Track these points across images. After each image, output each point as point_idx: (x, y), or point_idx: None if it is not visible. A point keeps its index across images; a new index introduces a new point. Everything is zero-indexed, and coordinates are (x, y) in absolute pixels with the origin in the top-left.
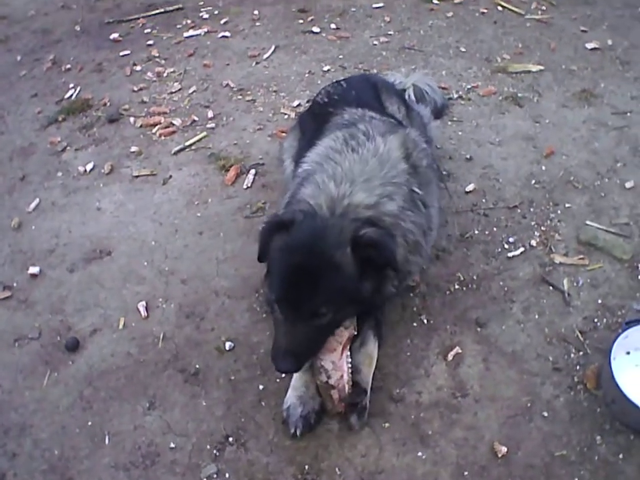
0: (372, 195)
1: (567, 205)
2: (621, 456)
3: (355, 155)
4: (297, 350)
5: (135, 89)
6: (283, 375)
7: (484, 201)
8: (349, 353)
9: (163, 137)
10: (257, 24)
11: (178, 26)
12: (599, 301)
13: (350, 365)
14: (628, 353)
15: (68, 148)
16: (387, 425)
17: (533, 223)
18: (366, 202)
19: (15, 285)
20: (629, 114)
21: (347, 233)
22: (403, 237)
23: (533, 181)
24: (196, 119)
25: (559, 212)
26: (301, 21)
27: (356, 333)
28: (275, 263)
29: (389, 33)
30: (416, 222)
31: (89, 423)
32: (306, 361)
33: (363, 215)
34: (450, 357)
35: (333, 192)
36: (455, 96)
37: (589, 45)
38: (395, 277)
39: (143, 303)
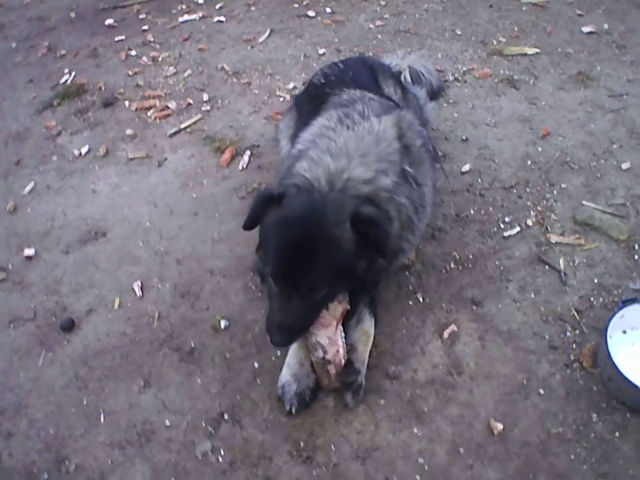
0: (369, 170)
1: (562, 186)
2: (617, 434)
3: (349, 131)
4: (292, 324)
5: (130, 73)
6: (278, 353)
7: (480, 181)
8: (342, 328)
9: (158, 120)
10: (252, 8)
11: (173, 11)
12: (595, 280)
13: (344, 340)
14: (624, 331)
15: (63, 132)
16: (382, 402)
17: (528, 203)
18: (364, 177)
19: (10, 267)
20: (625, 96)
21: (347, 209)
22: (398, 212)
23: (529, 162)
24: (191, 102)
25: (554, 192)
26: (296, 5)
27: (349, 307)
28: (271, 236)
29: (385, 16)
30: (409, 197)
31: (84, 402)
32: (300, 335)
33: (362, 191)
34: (446, 334)
35: (330, 166)
36: (451, 78)
37: (585, 29)
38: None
39: (138, 282)
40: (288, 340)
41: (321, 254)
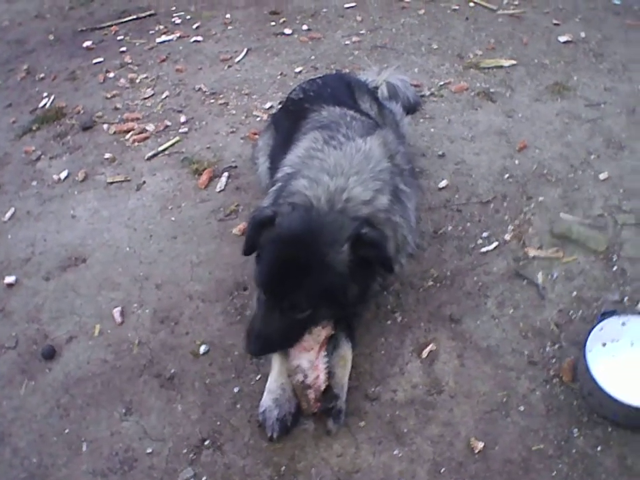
0: (367, 190)
1: (540, 199)
2: (599, 448)
3: (338, 151)
4: (269, 337)
5: (108, 95)
6: (258, 377)
7: (457, 196)
8: (325, 353)
9: (136, 143)
10: (229, 27)
11: (150, 32)
12: (574, 294)
13: (327, 365)
14: (604, 344)
15: (42, 157)
16: (362, 423)
17: (506, 217)
18: (363, 197)
19: None
20: (602, 105)
21: (347, 231)
22: (394, 232)
23: (506, 175)
24: (169, 123)
25: (532, 205)
26: (273, 23)
27: (333, 333)
28: (266, 250)
29: (361, 32)
30: (404, 217)
31: (66, 431)
32: (275, 350)
33: (361, 213)
34: (424, 354)
35: (330, 184)
36: (428, 93)
37: (562, 38)
38: (382, 275)
39: (118, 309)
40: (261, 350)
41: (311, 275)
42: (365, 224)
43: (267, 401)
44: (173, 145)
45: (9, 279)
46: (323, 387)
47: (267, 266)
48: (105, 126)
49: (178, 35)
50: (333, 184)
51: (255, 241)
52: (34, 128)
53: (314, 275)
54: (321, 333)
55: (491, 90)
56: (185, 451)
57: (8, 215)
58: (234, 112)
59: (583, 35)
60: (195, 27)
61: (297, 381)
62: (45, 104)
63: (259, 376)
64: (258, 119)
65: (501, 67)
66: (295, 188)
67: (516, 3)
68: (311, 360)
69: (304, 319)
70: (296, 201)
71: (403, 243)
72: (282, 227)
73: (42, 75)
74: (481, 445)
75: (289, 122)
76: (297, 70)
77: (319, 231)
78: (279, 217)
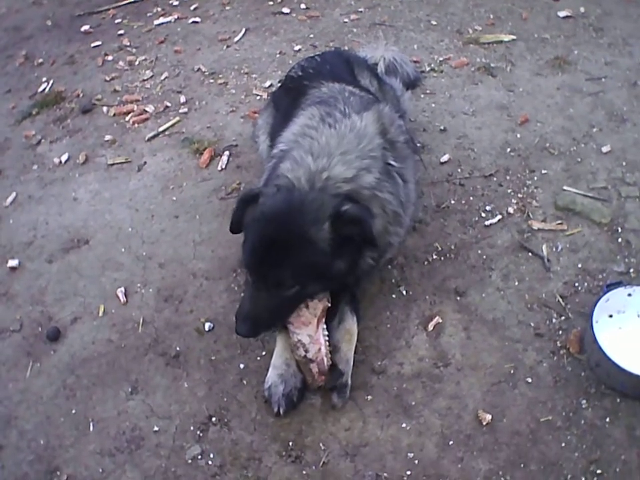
0: (350, 168)
1: (543, 172)
2: (607, 419)
3: (332, 129)
4: (258, 317)
5: (107, 78)
6: (263, 353)
7: (459, 170)
8: (325, 326)
9: (136, 125)
10: (227, 8)
11: (148, 14)
12: (579, 265)
13: (327, 338)
14: (610, 315)
15: (43, 141)
16: (369, 397)
17: (509, 191)
18: (344, 175)
19: None
20: (603, 79)
21: (327, 209)
22: (382, 208)
23: (508, 149)
24: (169, 104)
25: (535, 179)
26: (271, 3)
27: (330, 305)
28: (249, 230)
29: (359, 10)
30: (393, 192)
31: (73, 411)
32: (266, 329)
33: (342, 190)
34: (430, 327)
35: (311, 165)
36: (427, 69)
37: (561, 13)
38: (373, 250)
39: (122, 289)
40: (251, 331)
41: (293, 251)
42: (346, 200)
43: (272, 376)
44: (173, 125)
45: (12, 263)
46: (325, 360)
47: (250, 245)
48: (105, 108)
49: (176, 16)
50: (315, 165)
51: (240, 218)
52: (34, 113)
53: (296, 252)
54: (318, 306)
55: (491, 65)
56: (191, 428)
57: (9, 199)
58: (233, 91)
59: (582, 9)
60: (192, 8)
61: (299, 355)
62: (44, 88)
63: (264, 352)
64: (258, 97)
65: (501, 42)
66: (280, 171)
67: None
68: (310, 334)
69: (292, 296)
70: (280, 183)
71: (395, 217)
72: (264, 207)
73: (40, 60)
74: (488, 417)
75: (288, 99)
76: (296, 48)
77: (299, 209)
78: (262, 198)
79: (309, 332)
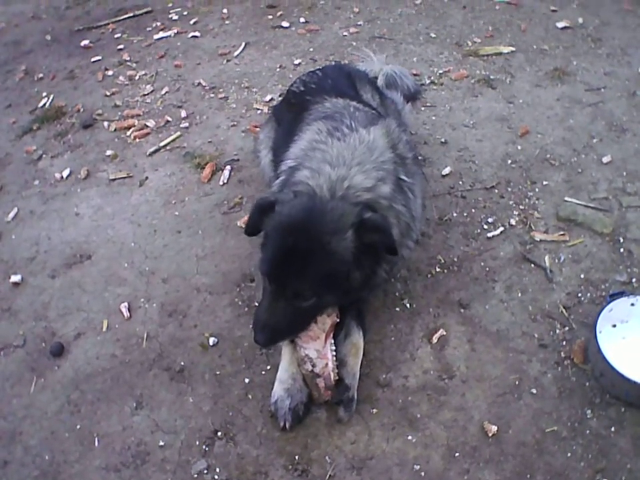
0: (369, 178)
1: (544, 183)
2: (613, 429)
3: (341, 142)
4: (276, 326)
5: (108, 93)
6: (269, 367)
7: (461, 183)
8: (332, 341)
9: (137, 139)
10: (227, 22)
11: (148, 29)
12: (582, 276)
13: (334, 353)
14: (614, 325)
15: (44, 156)
16: (375, 410)
17: (511, 202)
18: (364, 184)
19: None
20: (602, 90)
21: (349, 217)
22: (397, 219)
23: (509, 161)
24: (169, 119)
25: (536, 190)
26: (270, 17)
27: (338, 320)
28: (270, 237)
29: (359, 23)
30: (406, 205)
31: (78, 427)
32: (282, 339)
33: (362, 198)
34: (435, 339)
35: (331, 174)
36: (427, 81)
37: (560, 24)
38: (388, 261)
39: (125, 304)
40: (269, 340)
41: (314, 262)
42: (366, 209)
43: (278, 390)
44: (174, 140)
45: (15, 278)
46: (332, 375)
47: (270, 254)
48: (106, 123)
49: (175, 31)
50: (335, 173)
51: (256, 224)
52: (34, 128)
53: (317, 263)
54: (327, 321)
55: (491, 77)
56: (197, 442)
57: (11, 215)
58: (234, 105)
59: (580, 20)
60: (192, 22)
61: (306, 370)
62: (45, 103)
63: (269, 366)
64: (258, 111)
65: (500, 53)
66: (298, 179)
67: None
68: (318, 349)
69: (309, 307)
70: (299, 189)
71: (407, 231)
72: (283, 215)
73: (40, 75)
74: (494, 428)
75: (290, 114)
76: (296, 62)
77: (321, 218)
78: (279, 204)
79: (317, 347)
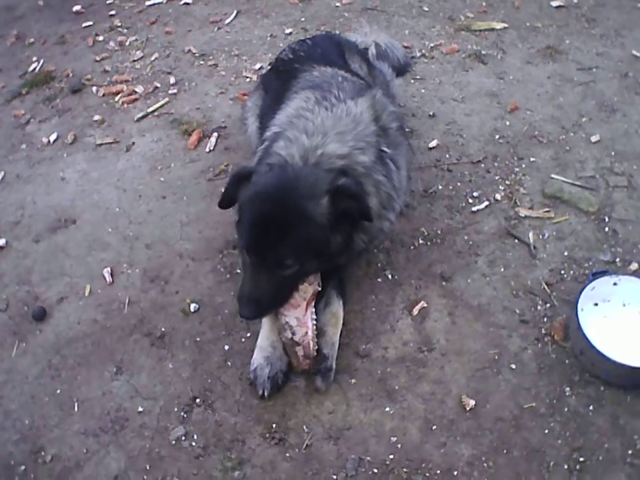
0: (344, 146)
1: (531, 159)
2: (591, 407)
3: (328, 112)
4: (260, 298)
5: (98, 58)
6: (248, 334)
7: (447, 156)
8: (313, 310)
9: (125, 105)
10: None
11: None
12: (565, 253)
13: (315, 322)
14: (596, 304)
15: (32, 120)
16: (353, 381)
17: (497, 177)
18: (339, 152)
19: None
20: (594, 69)
21: (323, 184)
22: (376, 188)
23: (497, 136)
24: (158, 85)
25: (523, 166)
26: None
27: (320, 289)
28: (245, 210)
29: None
30: (387, 176)
31: (58, 391)
32: (268, 311)
33: (336, 165)
34: (415, 311)
35: (305, 143)
36: (418, 54)
37: (554, 3)
38: (366, 231)
39: (108, 269)
40: (255, 313)
41: (292, 230)
42: (340, 175)
43: (258, 358)
44: (162, 106)
45: None
46: (312, 344)
47: (248, 225)
48: (94, 88)
49: None
50: (309, 142)
51: (231, 195)
52: (23, 92)
53: (295, 230)
54: (308, 289)
55: (482, 52)
56: (176, 409)
57: None
58: (223, 73)
59: (575, 0)
60: None
61: (286, 337)
62: (35, 68)
63: (249, 334)
64: (247, 79)
65: (493, 29)
66: (274, 149)
67: None
68: (298, 317)
69: (292, 275)
70: (272, 161)
71: (388, 200)
72: (257, 185)
73: (31, 40)
74: (472, 402)
75: (278, 82)
76: (287, 31)
77: (295, 186)
78: (255, 176)
79: (297, 315)
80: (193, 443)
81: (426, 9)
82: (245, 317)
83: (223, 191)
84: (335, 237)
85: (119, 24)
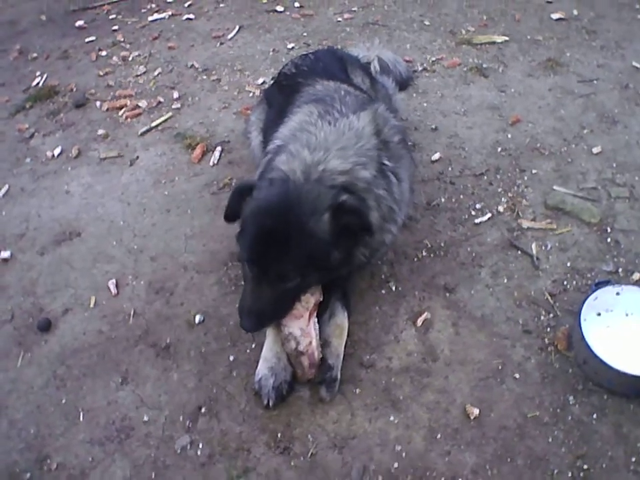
0: (346, 162)
1: (533, 171)
2: (594, 416)
3: (331, 127)
4: (261, 310)
5: (101, 73)
6: (253, 346)
7: (450, 169)
8: (316, 320)
9: (129, 119)
10: (221, 5)
11: (142, 10)
12: (568, 264)
13: (318, 332)
14: (598, 314)
15: (36, 134)
16: (358, 390)
17: (499, 190)
18: (340, 168)
19: None
20: (595, 81)
21: (325, 200)
22: (377, 202)
23: (499, 149)
24: (162, 100)
25: (525, 178)
26: (265, 1)
27: (322, 299)
28: (247, 224)
29: (353, 9)
30: (388, 190)
31: (63, 401)
32: (269, 322)
33: (337, 181)
34: (419, 322)
35: (307, 158)
36: (420, 68)
37: (555, 16)
38: (367, 245)
39: (113, 280)
40: (256, 325)
41: (293, 244)
42: (342, 191)
43: (262, 369)
44: (165, 120)
45: (4, 254)
46: (316, 354)
47: (249, 239)
48: (98, 103)
49: (170, 13)
50: (311, 157)
51: (235, 208)
52: (27, 106)
53: (296, 244)
54: (310, 300)
55: (484, 65)
56: (181, 418)
57: (2, 191)
58: (226, 88)
59: (575, 12)
60: (186, 5)
61: (290, 348)
62: (38, 82)
63: (253, 344)
64: (250, 94)
65: (494, 43)
66: (276, 163)
67: None
68: (302, 327)
69: (293, 288)
70: (274, 176)
71: (390, 214)
72: (259, 199)
73: (34, 55)
74: (476, 411)
75: (281, 96)
76: (289, 46)
77: (296, 201)
78: (256, 191)
79: (301, 325)
80: (198, 452)
81: (427, 23)
82: (246, 329)
83: (227, 204)
84: (335, 251)
85: (122, 39)
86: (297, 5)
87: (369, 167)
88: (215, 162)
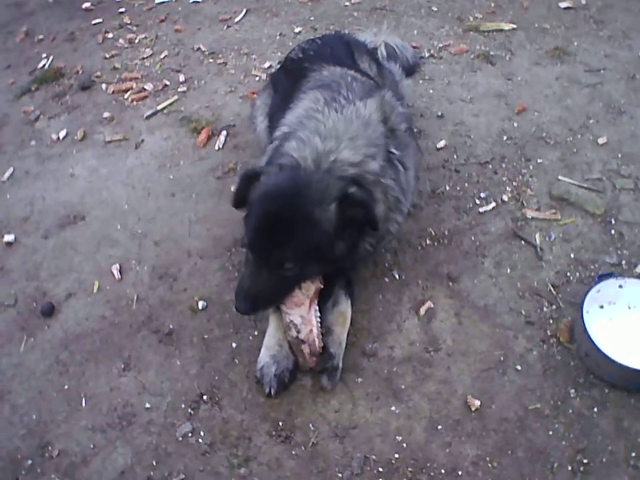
0: (357, 154)
1: (538, 161)
2: (595, 409)
3: (338, 114)
4: (258, 294)
5: (107, 56)
6: (256, 333)
7: (455, 157)
8: (317, 307)
9: (135, 102)
10: None
11: None
12: (572, 255)
13: (319, 320)
14: (601, 306)
15: (41, 116)
16: (359, 380)
17: (504, 179)
18: (351, 159)
19: None
20: (602, 71)
21: (333, 191)
22: (384, 194)
23: (505, 137)
24: (168, 83)
25: (530, 167)
26: None
27: (322, 287)
28: (253, 208)
29: None
30: (395, 179)
31: (66, 387)
32: (264, 307)
33: (348, 173)
34: (422, 311)
35: (318, 146)
36: (427, 55)
37: (562, 4)
38: (373, 236)
39: (117, 265)
40: (250, 308)
41: (296, 233)
42: (351, 183)
43: (264, 357)
44: (171, 104)
45: (8, 238)
46: (317, 341)
47: (254, 224)
48: (104, 85)
49: None
50: (322, 146)
51: (243, 194)
52: (33, 88)
53: (300, 233)
54: (310, 287)
55: (491, 53)
56: (183, 405)
57: (7, 174)
58: (232, 71)
59: (583, 1)
60: None
61: (291, 336)
62: (44, 65)
63: (256, 332)
64: (257, 78)
65: (501, 30)
66: (285, 149)
67: None
68: (302, 315)
69: (292, 277)
70: (284, 162)
71: (396, 204)
72: (267, 185)
73: (41, 37)
74: (477, 403)
75: (288, 81)
76: (296, 30)
77: (305, 189)
78: (265, 176)
79: (301, 313)
80: (200, 440)
81: (435, 9)
82: (240, 311)
83: (233, 190)
84: (339, 243)
85: (129, 21)
86: None
87: (378, 157)
88: (220, 146)
